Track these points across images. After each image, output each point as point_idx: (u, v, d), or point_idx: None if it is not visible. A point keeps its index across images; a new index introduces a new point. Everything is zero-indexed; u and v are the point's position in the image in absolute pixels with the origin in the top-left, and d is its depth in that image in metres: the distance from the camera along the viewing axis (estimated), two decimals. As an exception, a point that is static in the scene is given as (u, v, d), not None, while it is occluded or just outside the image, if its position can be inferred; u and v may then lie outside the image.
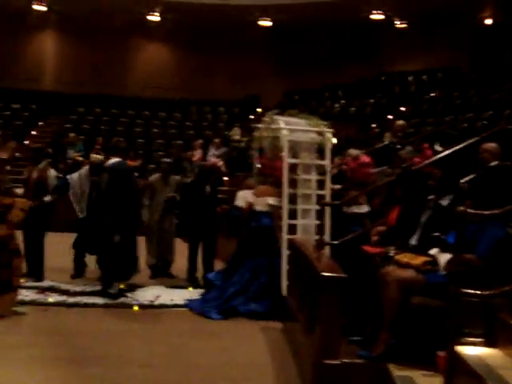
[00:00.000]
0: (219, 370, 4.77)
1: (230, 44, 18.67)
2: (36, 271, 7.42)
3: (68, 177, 7.92)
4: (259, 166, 7.77)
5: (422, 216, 4.70)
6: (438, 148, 7.62)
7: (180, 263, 8.11)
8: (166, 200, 8.05)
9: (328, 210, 6.27)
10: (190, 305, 6.59)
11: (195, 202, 7.73)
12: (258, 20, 17.65)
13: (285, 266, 6.29)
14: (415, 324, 4.12)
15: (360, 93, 16.67)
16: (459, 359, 3.23)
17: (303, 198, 6.44)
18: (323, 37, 17.65)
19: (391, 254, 4.52)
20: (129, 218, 6.85)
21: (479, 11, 15.79)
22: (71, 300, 6.58)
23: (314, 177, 6.51)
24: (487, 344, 3.39)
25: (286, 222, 6.33)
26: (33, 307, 6.29)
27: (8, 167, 7.65)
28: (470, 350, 3.29)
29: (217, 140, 14.80)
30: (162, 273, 8.09)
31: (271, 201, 6.73)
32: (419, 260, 4.23)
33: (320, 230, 6.30)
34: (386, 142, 9.66)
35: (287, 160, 6.39)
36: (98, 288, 7.01)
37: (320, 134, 6.62)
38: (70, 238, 7.95)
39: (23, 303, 6.34)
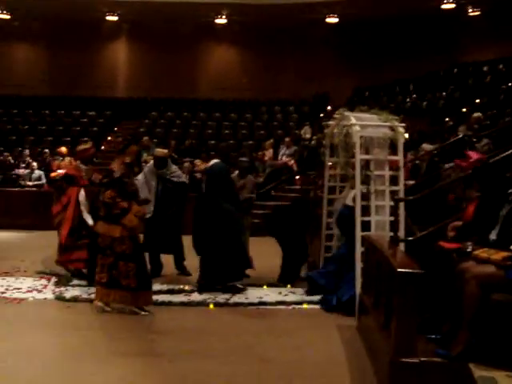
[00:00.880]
0: (293, 366, 4.78)
1: (297, 43, 18.68)
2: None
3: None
4: (330, 164, 7.73)
5: (501, 210, 4.53)
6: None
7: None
8: (243, 200, 7.89)
9: (402, 205, 6.15)
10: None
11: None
12: (325, 17, 17.52)
13: (359, 264, 6.23)
14: (496, 322, 3.98)
15: (432, 86, 16.24)
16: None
17: (377, 194, 6.35)
18: (392, 30, 17.34)
19: (469, 250, 4.39)
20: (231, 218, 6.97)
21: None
22: (149, 299, 6.76)
23: (387, 172, 6.41)
24: None
25: (359, 218, 6.26)
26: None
27: (137, 170, 7.95)
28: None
29: (287, 139, 14.83)
30: None
31: None
32: (499, 255, 4.09)
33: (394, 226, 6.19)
34: (461, 136, 9.41)
35: (359, 156, 6.32)
36: (176, 287, 7.19)
37: (392, 128, 6.51)
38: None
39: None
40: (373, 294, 5.28)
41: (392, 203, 6.30)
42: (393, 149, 6.54)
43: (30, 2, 16.92)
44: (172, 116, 18.34)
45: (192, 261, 7.70)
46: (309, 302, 6.78)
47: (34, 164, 14.18)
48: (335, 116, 7.12)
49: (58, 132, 17.37)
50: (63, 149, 14.68)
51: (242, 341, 5.42)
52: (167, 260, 8.05)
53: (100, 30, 19.26)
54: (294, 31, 18.26)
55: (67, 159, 14.44)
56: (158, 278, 7.73)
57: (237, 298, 6.84)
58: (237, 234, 7.11)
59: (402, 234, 6.11)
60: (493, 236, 4.48)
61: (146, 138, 15.35)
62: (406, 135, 7.18)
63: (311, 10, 16.99)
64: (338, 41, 18.42)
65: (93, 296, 6.75)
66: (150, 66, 19.31)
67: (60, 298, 6.71)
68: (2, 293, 6.83)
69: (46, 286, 7.24)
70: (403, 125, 6.63)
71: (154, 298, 6.74)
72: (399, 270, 4.06)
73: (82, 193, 7.69)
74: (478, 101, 14.14)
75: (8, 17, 18.22)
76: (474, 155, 7.31)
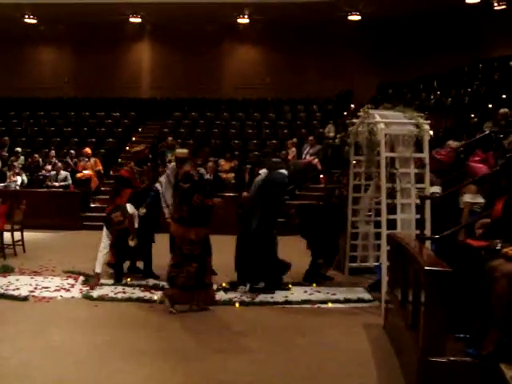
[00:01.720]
0: (320, 365, 4.78)
1: (319, 41, 18.61)
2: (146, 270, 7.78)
3: (157, 185, 7.92)
4: (354, 162, 7.69)
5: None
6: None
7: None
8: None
9: (428, 203, 6.09)
10: None
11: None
12: (348, 15, 17.43)
13: (385, 262, 6.19)
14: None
15: (456, 82, 16.04)
16: None
17: (402, 192, 6.30)
18: (415, 26, 17.17)
19: (498, 247, 4.32)
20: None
21: None
22: (175, 298, 6.80)
23: (412, 170, 6.35)
24: None
25: (384, 216, 6.22)
26: (139, 304, 6.58)
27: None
28: None
29: (311, 138, 14.79)
30: None
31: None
32: (529, 252, 4.03)
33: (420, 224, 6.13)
34: (487, 132, 9.28)
35: (384, 154, 6.28)
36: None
37: (417, 126, 6.45)
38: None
39: (130, 300, 6.68)
40: (400, 292, 5.24)
41: (418, 201, 6.25)
42: (418, 146, 6.49)
43: (55, 7, 17.13)
44: (196, 116, 18.41)
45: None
46: (334, 301, 6.76)
47: (60, 165, 14.36)
48: (359, 114, 7.08)
49: (83, 133, 17.57)
50: (88, 150, 14.88)
51: (267, 340, 5.42)
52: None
53: (123, 31, 19.42)
54: (317, 29, 18.20)
55: (92, 160, 14.67)
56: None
57: (262, 297, 6.85)
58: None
59: (428, 232, 6.05)
60: (522, 233, 4.40)
61: (170, 138, 15.44)
62: (431, 132, 7.10)
63: (333, 8, 16.90)
64: (360, 38, 18.30)
65: (119, 295, 6.85)
66: (173, 67, 19.42)
67: (87, 296, 6.80)
68: (31, 292, 6.93)
69: (73, 285, 7.34)
70: (428, 122, 6.57)
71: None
72: (427, 267, 4.02)
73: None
74: (504, 96, 13.92)
75: (35, 21, 18.49)
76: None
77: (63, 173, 14.11)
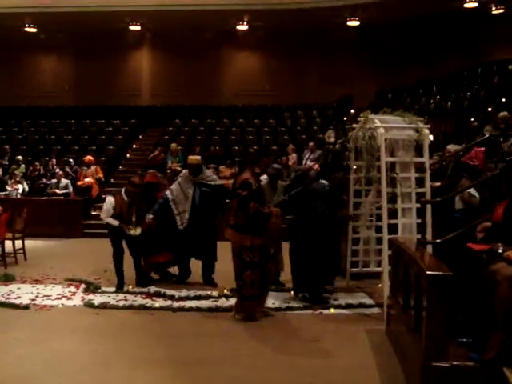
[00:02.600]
0: (322, 372, 4.76)
1: (319, 47, 18.67)
2: (140, 279, 7.75)
3: (167, 192, 7.88)
4: (355, 167, 7.69)
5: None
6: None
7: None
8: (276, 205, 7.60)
9: (429, 207, 6.09)
10: None
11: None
12: (347, 21, 17.47)
13: (386, 267, 6.18)
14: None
15: (456, 86, 16.06)
16: None
17: (403, 196, 6.30)
18: (414, 31, 17.21)
19: (500, 251, 4.31)
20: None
21: None
22: (176, 305, 6.80)
23: (412, 175, 6.35)
24: None
25: (385, 221, 6.21)
26: (141, 312, 6.57)
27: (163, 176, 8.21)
28: None
29: (311, 144, 14.79)
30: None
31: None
32: (531, 256, 4.02)
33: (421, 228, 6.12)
34: (487, 136, 9.28)
35: (384, 159, 6.27)
36: (203, 293, 7.21)
37: (417, 130, 6.45)
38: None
39: (132, 308, 6.67)
40: (401, 297, 5.23)
41: (418, 205, 6.24)
42: (418, 151, 6.48)
43: (55, 16, 17.18)
44: (196, 123, 18.43)
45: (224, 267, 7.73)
46: (336, 307, 6.74)
47: (61, 173, 14.36)
48: (359, 119, 7.08)
49: (83, 141, 17.58)
50: (90, 157, 14.89)
51: (269, 346, 5.40)
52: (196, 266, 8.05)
53: (123, 39, 19.48)
54: (316, 35, 18.25)
55: (93, 167, 14.68)
56: (184, 284, 7.77)
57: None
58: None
59: (429, 236, 6.03)
60: (524, 237, 4.40)
61: (173, 144, 15.42)
62: (431, 137, 7.09)
63: (333, 14, 16.93)
64: (360, 44, 18.35)
65: (121, 303, 6.84)
66: (173, 74, 19.46)
67: (89, 304, 6.79)
68: (32, 300, 6.93)
69: (74, 293, 7.34)
70: (428, 126, 6.57)
71: (182, 303, 6.81)
72: (428, 272, 4.01)
73: None
74: (503, 100, 13.93)
75: (35, 30, 18.54)
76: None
77: (64, 181, 14.10)
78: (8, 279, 8.03)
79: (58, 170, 14.65)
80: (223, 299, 7.03)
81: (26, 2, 16.79)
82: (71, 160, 15.36)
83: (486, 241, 4.74)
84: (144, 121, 18.86)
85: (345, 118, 16.40)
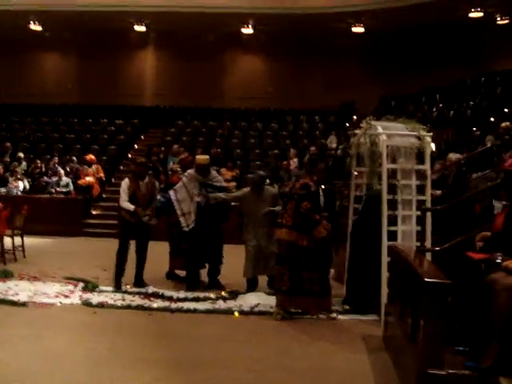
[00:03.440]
0: (319, 375, 4.77)
1: (323, 52, 18.70)
2: (139, 279, 7.75)
3: (170, 192, 7.86)
4: (356, 173, 7.70)
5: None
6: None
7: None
8: (264, 214, 7.53)
9: (429, 215, 6.10)
10: None
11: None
12: (351, 27, 17.50)
13: (385, 274, 6.18)
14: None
15: (459, 95, 16.08)
16: None
17: (403, 203, 6.31)
18: (418, 39, 17.24)
19: (498, 261, 4.31)
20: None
21: None
22: (174, 306, 6.80)
23: (413, 182, 6.36)
24: None
25: (385, 228, 6.22)
26: (139, 312, 6.58)
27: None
28: None
29: (313, 149, 14.79)
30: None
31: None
32: (530, 266, 4.02)
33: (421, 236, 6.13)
34: (489, 145, 9.30)
35: (386, 165, 6.29)
36: (201, 294, 7.22)
37: (419, 138, 6.47)
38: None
39: (129, 308, 6.68)
40: (399, 304, 5.23)
41: (419, 213, 6.25)
42: (419, 158, 6.50)
43: (60, 14, 17.22)
44: (198, 125, 18.46)
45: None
46: (335, 311, 6.74)
47: (62, 171, 14.39)
48: (362, 125, 7.10)
49: (86, 140, 17.62)
50: (92, 156, 14.91)
51: (266, 349, 5.41)
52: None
53: (128, 39, 19.52)
54: (320, 41, 18.29)
55: (94, 167, 14.70)
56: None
57: (262, 307, 6.82)
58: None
59: (428, 244, 6.04)
60: (523, 247, 4.40)
61: (176, 145, 15.47)
62: (433, 145, 7.11)
63: (337, 20, 16.98)
64: (364, 50, 18.38)
65: (119, 302, 6.84)
66: (176, 75, 19.49)
67: (87, 303, 6.80)
68: (30, 297, 6.93)
69: (73, 292, 7.33)
70: (430, 134, 6.59)
71: (180, 304, 6.81)
72: (426, 279, 4.02)
73: None
74: (506, 110, 13.95)
75: (40, 28, 18.57)
76: None
77: (65, 179, 14.14)
78: (6, 276, 8.03)
79: (59, 168, 14.68)
80: (221, 301, 7.03)
81: (32, 1, 16.82)
82: (74, 158, 15.38)
83: (486, 250, 4.74)
84: (146, 121, 18.89)
85: (347, 124, 16.42)
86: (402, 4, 15.52)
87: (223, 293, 7.34)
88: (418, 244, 6.13)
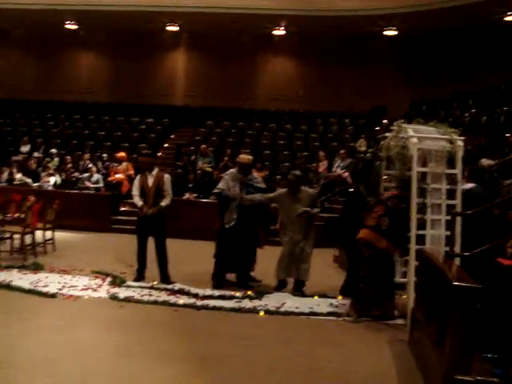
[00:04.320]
0: (343, 378, 4.75)
1: (354, 55, 18.62)
2: (164, 276, 7.81)
3: (217, 190, 7.85)
4: (385, 176, 7.64)
5: None
6: None
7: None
8: (299, 215, 7.43)
9: (459, 220, 6.02)
10: None
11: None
12: (383, 30, 17.38)
13: (412, 278, 6.12)
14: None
15: (492, 101, 15.84)
16: None
17: (432, 207, 6.24)
18: (451, 43, 17.04)
19: (530, 267, 4.25)
20: None
21: None
22: (200, 303, 6.83)
23: (444, 186, 6.29)
24: None
25: (414, 232, 6.16)
26: (165, 307, 6.63)
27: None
28: None
29: (342, 151, 14.75)
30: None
31: None
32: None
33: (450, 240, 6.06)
34: (523, 152, 9.15)
35: (416, 169, 6.23)
36: (227, 293, 7.25)
37: (450, 142, 6.39)
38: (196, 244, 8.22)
39: (156, 303, 6.74)
40: (426, 308, 5.18)
41: (448, 217, 6.18)
42: (450, 163, 6.42)
43: (96, 13, 17.46)
44: (228, 125, 18.52)
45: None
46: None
47: (94, 168, 14.58)
48: (392, 128, 7.04)
49: (116, 138, 17.82)
50: (123, 154, 15.08)
51: (290, 349, 5.40)
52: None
53: (160, 39, 19.69)
54: (352, 43, 18.21)
55: (124, 164, 14.86)
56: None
57: (287, 307, 6.82)
58: None
59: (458, 249, 5.97)
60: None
61: (203, 145, 15.56)
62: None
63: (369, 23, 16.88)
64: (395, 53, 18.24)
65: (145, 298, 6.91)
66: (207, 76, 19.61)
67: (114, 297, 6.88)
68: (59, 289, 7.05)
69: (100, 286, 7.44)
70: (462, 138, 6.51)
71: (206, 302, 6.84)
72: (455, 283, 3.97)
73: None
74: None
75: (75, 27, 18.86)
76: None
77: (96, 175, 14.33)
78: (37, 268, 8.20)
79: (90, 164, 14.89)
80: (247, 300, 7.04)
81: (68, 0, 17.12)
82: (105, 155, 15.56)
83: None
84: (177, 120, 19.01)
85: (377, 128, 16.30)
86: (434, 7, 15.34)
87: (249, 292, 7.35)
88: (447, 249, 6.06)
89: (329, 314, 6.67)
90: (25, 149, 16.48)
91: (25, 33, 19.69)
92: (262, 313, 6.58)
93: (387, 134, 7.22)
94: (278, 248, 7.80)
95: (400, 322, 6.43)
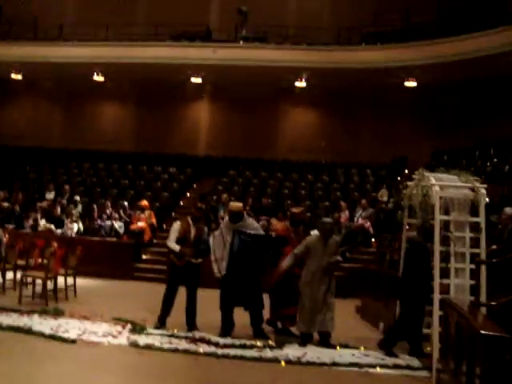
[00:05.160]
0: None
1: (375, 106, 18.78)
2: (192, 323, 7.76)
3: (210, 239, 7.90)
4: (407, 226, 7.59)
5: None
6: None
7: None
8: (333, 263, 7.41)
9: (484, 268, 5.94)
10: None
11: None
12: (404, 81, 17.58)
13: (437, 328, 6.00)
14: None
15: (514, 150, 15.77)
16: None
17: (456, 256, 6.17)
18: (471, 93, 17.11)
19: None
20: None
21: None
22: (220, 352, 6.74)
23: (467, 234, 6.23)
24: None
25: (437, 281, 6.08)
26: (185, 355, 6.56)
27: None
28: None
29: (364, 201, 14.73)
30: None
31: None
32: None
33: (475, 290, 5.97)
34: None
35: (439, 217, 6.20)
36: (248, 342, 7.15)
37: (473, 190, 6.38)
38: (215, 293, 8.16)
39: (176, 351, 6.67)
40: (452, 360, 5.05)
41: (473, 266, 6.09)
42: (473, 211, 6.38)
43: (122, 66, 17.99)
44: (250, 175, 18.66)
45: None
46: (383, 366, 6.54)
47: (116, 215, 14.73)
48: (414, 176, 7.05)
49: (139, 186, 18.03)
50: (145, 202, 15.23)
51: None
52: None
53: (184, 90, 20.09)
54: (373, 95, 18.40)
55: (147, 212, 14.99)
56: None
57: (309, 357, 6.70)
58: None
59: (483, 298, 5.87)
60: None
61: (225, 195, 15.66)
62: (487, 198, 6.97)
63: (390, 75, 17.08)
64: (416, 104, 18.35)
65: (165, 345, 6.84)
66: (230, 126, 19.88)
67: (134, 344, 6.83)
68: (79, 335, 7.03)
69: (120, 332, 7.39)
70: (485, 186, 6.48)
71: (226, 351, 6.75)
72: (483, 332, 3.88)
73: None
74: None
75: (102, 79, 19.40)
76: None
77: (118, 223, 14.46)
78: (58, 313, 8.20)
79: (112, 212, 15.04)
80: (267, 350, 6.94)
81: (98, 53, 17.69)
82: (125, 203, 15.73)
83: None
84: (199, 170, 19.21)
85: (398, 178, 16.29)
86: (455, 59, 15.54)
87: (270, 341, 7.25)
88: (472, 298, 5.96)
89: (351, 364, 6.54)
90: (49, 196, 16.73)
91: (53, 84, 20.30)
92: (283, 363, 6.47)
93: (409, 183, 7.23)
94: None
95: (424, 374, 6.28)
